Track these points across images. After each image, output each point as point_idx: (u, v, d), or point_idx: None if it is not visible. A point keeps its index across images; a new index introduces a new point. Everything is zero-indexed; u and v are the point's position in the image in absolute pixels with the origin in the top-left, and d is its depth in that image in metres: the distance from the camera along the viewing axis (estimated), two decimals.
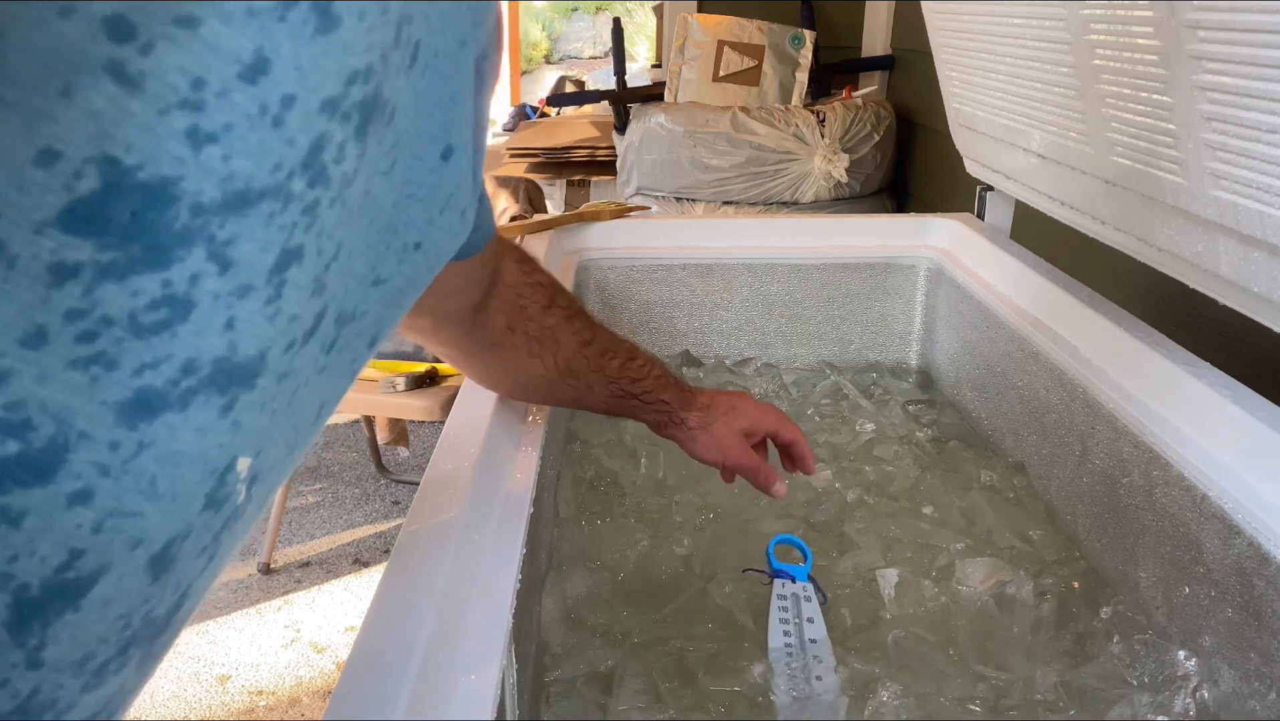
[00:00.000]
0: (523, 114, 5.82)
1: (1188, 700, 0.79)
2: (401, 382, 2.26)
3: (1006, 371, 1.25)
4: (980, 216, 1.54)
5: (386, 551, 2.50)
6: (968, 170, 1.58)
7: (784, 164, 2.44)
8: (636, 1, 12.65)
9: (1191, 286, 1.02)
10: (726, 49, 2.74)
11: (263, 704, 1.96)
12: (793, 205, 2.49)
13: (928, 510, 1.10)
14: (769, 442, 1.00)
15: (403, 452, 2.95)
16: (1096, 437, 1.02)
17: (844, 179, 2.46)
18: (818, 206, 2.50)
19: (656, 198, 2.58)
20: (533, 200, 2.42)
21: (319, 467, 2.92)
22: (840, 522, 1.08)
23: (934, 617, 0.92)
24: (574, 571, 0.98)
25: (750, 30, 2.75)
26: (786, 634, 0.87)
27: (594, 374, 0.89)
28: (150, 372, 0.34)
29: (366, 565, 2.44)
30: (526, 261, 0.87)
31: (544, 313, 0.86)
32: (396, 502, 2.74)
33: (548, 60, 12.70)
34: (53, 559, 0.34)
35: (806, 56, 2.76)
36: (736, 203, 2.50)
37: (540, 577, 0.95)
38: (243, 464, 0.40)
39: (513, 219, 2.32)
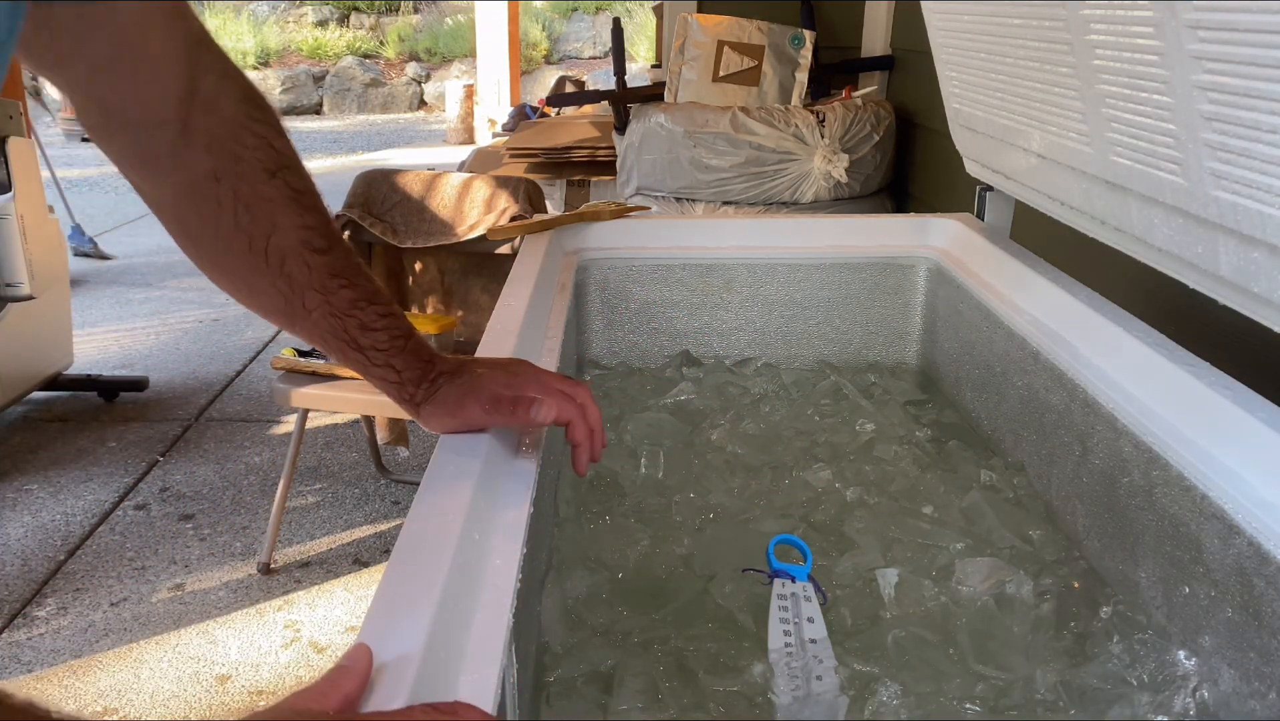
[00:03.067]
0: (523, 114, 5.82)
1: (1188, 700, 0.79)
2: None
3: (1006, 371, 1.25)
4: (980, 216, 1.54)
5: (386, 551, 2.50)
6: (968, 170, 1.58)
7: (784, 164, 2.44)
8: (636, 1, 12.65)
9: (1191, 286, 1.02)
10: (726, 49, 2.74)
11: (263, 704, 1.96)
12: (793, 205, 2.49)
13: (928, 510, 1.10)
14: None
15: (403, 452, 2.95)
16: (1096, 437, 1.02)
17: (844, 179, 2.46)
18: (818, 206, 2.50)
19: (656, 198, 2.58)
20: (533, 200, 2.42)
21: (319, 467, 2.92)
22: (840, 522, 1.08)
23: (934, 617, 0.92)
24: (574, 571, 0.98)
25: (750, 30, 2.75)
26: (786, 633, 0.87)
27: (314, 291, 0.74)
28: None
29: (366, 565, 2.44)
30: (256, 103, 0.73)
31: (265, 178, 0.71)
32: (396, 502, 2.74)
33: (548, 60, 12.70)
34: None
35: (806, 56, 2.76)
36: (736, 203, 2.50)
37: (540, 577, 0.95)
38: None
39: (513, 219, 2.32)
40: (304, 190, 0.75)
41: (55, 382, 3.27)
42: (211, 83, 0.70)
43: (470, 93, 9.70)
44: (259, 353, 3.86)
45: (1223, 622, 0.80)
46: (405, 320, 0.80)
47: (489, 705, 0.56)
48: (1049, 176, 1.28)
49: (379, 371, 0.79)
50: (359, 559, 2.46)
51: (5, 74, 0.49)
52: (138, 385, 3.43)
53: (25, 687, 1.97)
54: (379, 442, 2.78)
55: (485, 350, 1.03)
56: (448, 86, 10.21)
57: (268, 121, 0.74)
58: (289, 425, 3.16)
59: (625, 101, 2.73)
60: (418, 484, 0.76)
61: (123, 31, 0.63)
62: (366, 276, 0.78)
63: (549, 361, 1.11)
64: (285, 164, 0.74)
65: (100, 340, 4.00)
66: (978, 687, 0.84)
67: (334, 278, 0.75)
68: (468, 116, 9.63)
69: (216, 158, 0.70)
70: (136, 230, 5.88)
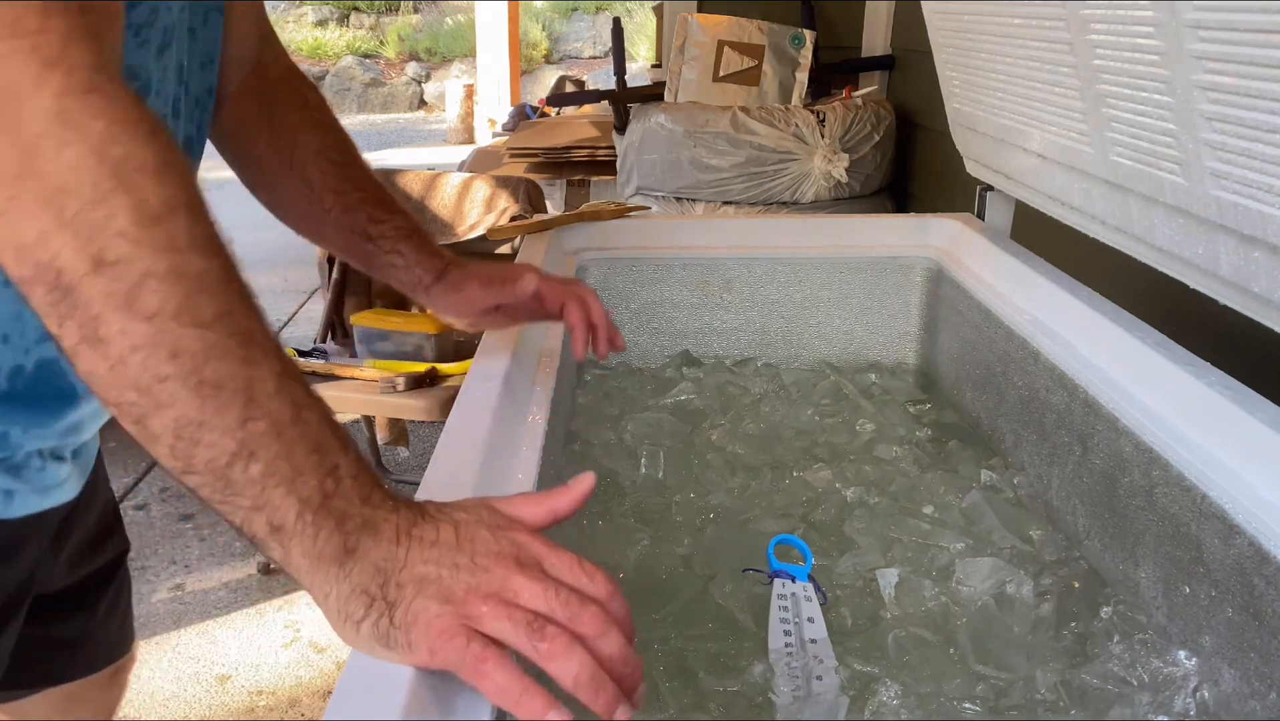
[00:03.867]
0: (523, 114, 5.83)
1: (1188, 700, 0.79)
2: (401, 382, 2.26)
3: (1006, 371, 1.25)
4: (980, 216, 1.54)
5: None
6: (968, 170, 1.58)
7: (784, 164, 2.44)
8: (636, 1, 12.66)
9: (1191, 286, 1.02)
10: (726, 49, 2.74)
11: (263, 704, 1.96)
12: (793, 205, 2.49)
13: (928, 510, 1.10)
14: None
15: (403, 452, 2.95)
16: (1097, 437, 1.02)
17: (844, 179, 2.46)
18: (818, 206, 2.50)
19: (656, 198, 2.58)
20: (533, 200, 2.42)
21: None
22: (840, 522, 1.08)
23: (934, 617, 0.92)
24: None
25: (750, 30, 2.75)
26: (787, 633, 0.87)
27: (330, 193, 0.89)
28: None
29: None
30: (298, 73, 0.92)
31: (293, 110, 0.89)
32: None
33: (548, 60, 12.70)
34: None
35: (806, 56, 2.76)
36: (736, 203, 2.50)
37: None
38: None
39: (513, 219, 2.32)
40: (328, 123, 0.91)
41: None
42: (267, 50, 0.90)
43: (470, 93, 9.70)
44: None
45: (1223, 622, 0.80)
46: (414, 221, 0.93)
47: (489, 704, 0.56)
48: (1049, 176, 1.28)
49: (388, 259, 0.91)
50: None
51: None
52: None
53: None
54: (379, 443, 2.78)
55: (486, 350, 1.04)
56: (448, 86, 10.21)
57: (306, 84, 0.92)
58: None
59: (625, 101, 2.73)
60: (418, 484, 0.76)
61: None
62: (385, 193, 0.91)
63: (549, 361, 1.11)
64: (313, 105, 0.91)
65: None
66: (978, 687, 0.84)
67: (347, 182, 0.89)
68: (468, 116, 9.63)
69: (260, 103, 0.89)
70: None
